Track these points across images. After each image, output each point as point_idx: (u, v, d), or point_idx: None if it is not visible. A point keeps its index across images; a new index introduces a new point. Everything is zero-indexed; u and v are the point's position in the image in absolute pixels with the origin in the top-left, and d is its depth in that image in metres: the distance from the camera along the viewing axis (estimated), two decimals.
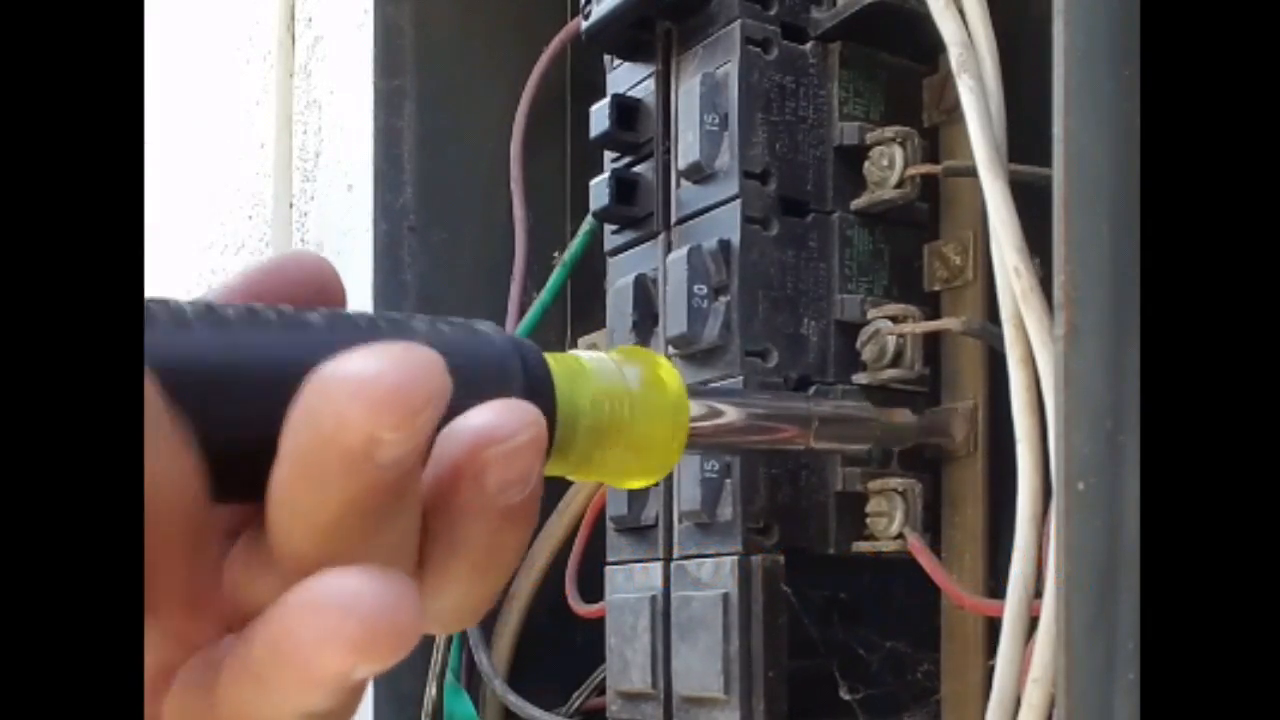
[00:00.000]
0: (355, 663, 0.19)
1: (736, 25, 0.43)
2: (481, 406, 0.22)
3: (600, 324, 0.53)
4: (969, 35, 0.39)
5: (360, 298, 0.58)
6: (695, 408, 0.33)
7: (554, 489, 0.56)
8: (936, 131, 0.45)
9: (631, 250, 0.47)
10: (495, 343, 0.25)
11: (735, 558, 0.41)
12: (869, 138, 0.43)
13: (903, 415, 0.42)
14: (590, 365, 0.28)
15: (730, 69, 0.43)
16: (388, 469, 0.20)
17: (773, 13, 0.44)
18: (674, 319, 0.43)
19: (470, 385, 0.22)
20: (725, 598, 0.41)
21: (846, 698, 0.42)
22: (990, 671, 0.37)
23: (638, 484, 0.31)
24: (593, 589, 0.50)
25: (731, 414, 0.37)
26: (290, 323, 0.22)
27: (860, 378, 0.43)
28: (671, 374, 0.30)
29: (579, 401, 0.27)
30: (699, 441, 0.37)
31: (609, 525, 0.47)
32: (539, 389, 0.25)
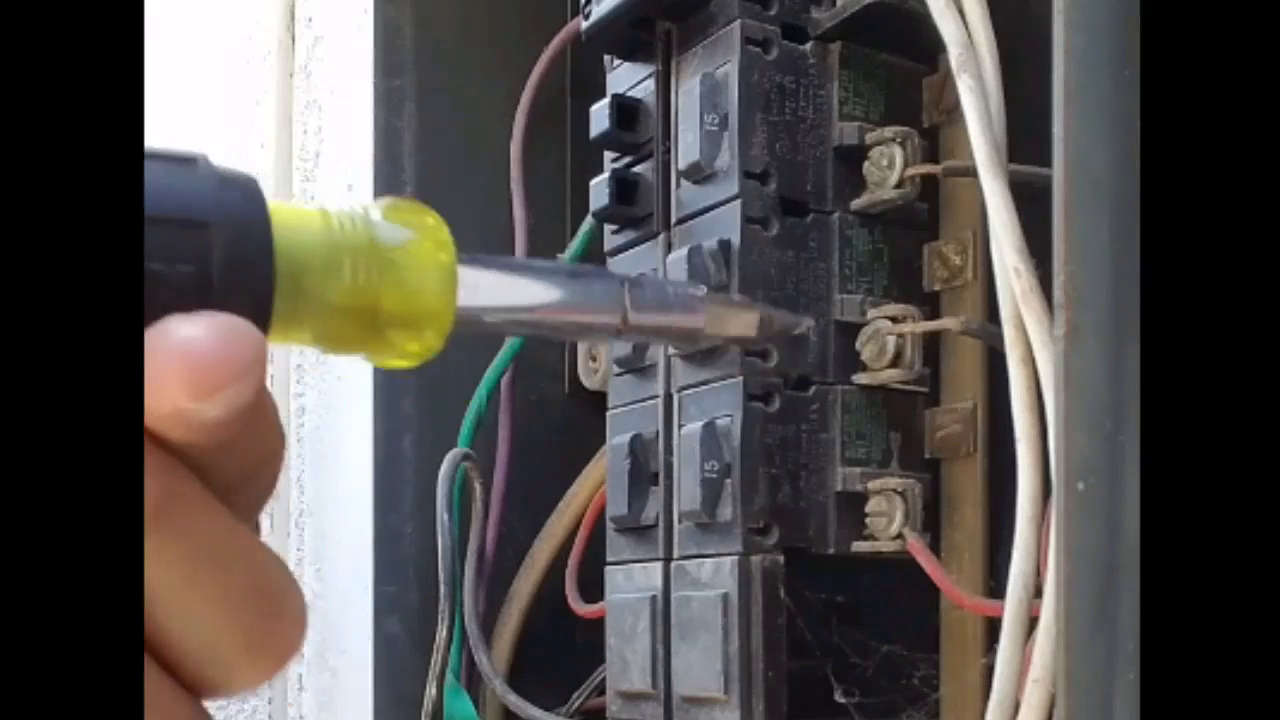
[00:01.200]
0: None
1: (736, 25, 0.43)
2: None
3: None
4: (969, 35, 0.39)
5: None
6: (469, 278, 0.26)
7: (554, 489, 0.56)
8: (936, 131, 0.45)
9: (631, 250, 0.47)
10: (194, 170, 0.21)
11: (735, 558, 0.41)
12: (869, 138, 0.43)
13: (743, 307, 0.36)
14: (333, 219, 0.24)
15: (730, 69, 0.43)
16: (203, 430, 0.20)
17: (773, 13, 0.44)
18: None
19: (166, 242, 0.20)
20: (725, 598, 0.41)
21: (842, 700, 0.42)
22: (989, 671, 0.37)
23: (393, 364, 0.26)
24: (593, 589, 0.50)
25: (519, 292, 0.29)
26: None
27: (860, 378, 0.43)
28: (440, 231, 0.25)
29: (310, 261, 0.23)
30: (476, 318, 0.28)
31: (609, 525, 0.47)
32: (248, 221, 0.22)
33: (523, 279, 0.29)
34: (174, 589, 0.21)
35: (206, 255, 0.21)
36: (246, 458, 0.22)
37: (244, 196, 0.22)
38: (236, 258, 0.21)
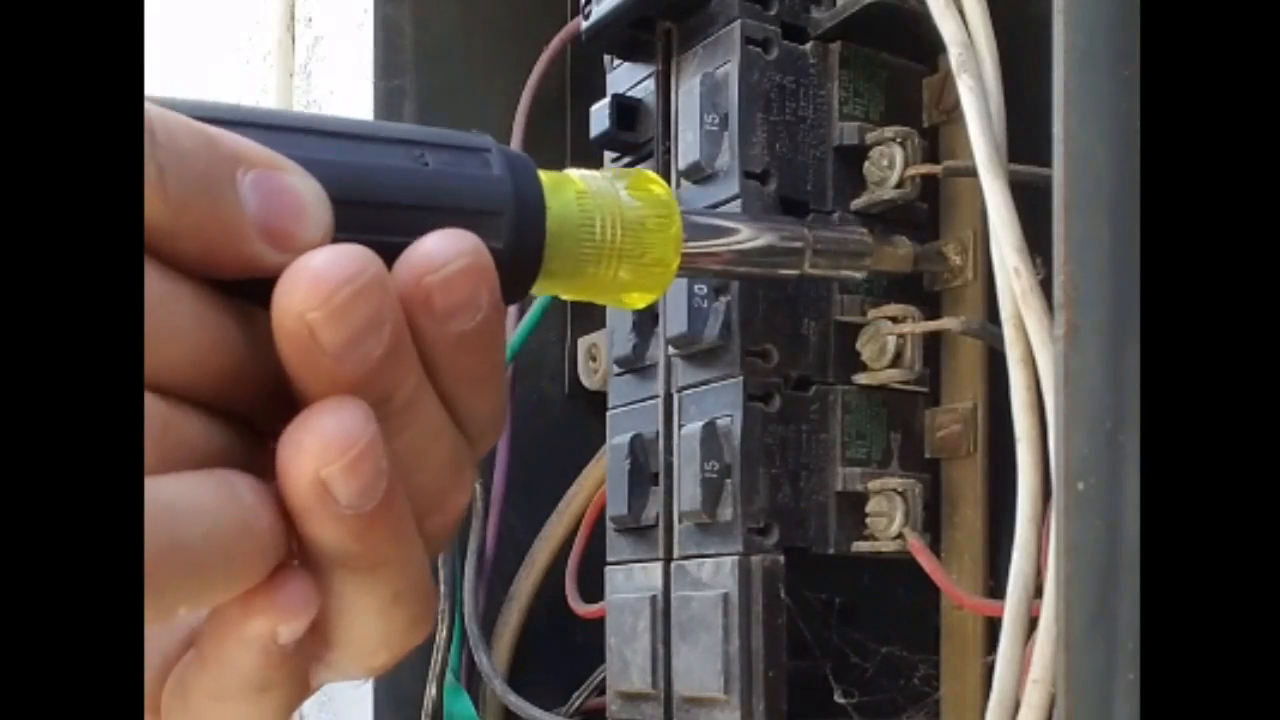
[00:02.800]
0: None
1: (736, 25, 0.43)
2: (425, 237, 0.23)
3: (600, 324, 0.53)
4: (969, 35, 0.39)
5: None
6: (689, 225, 0.34)
7: (554, 489, 0.56)
8: (936, 131, 0.45)
9: None
10: (487, 162, 0.26)
11: (735, 558, 0.41)
12: (869, 138, 0.43)
13: (900, 243, 0.42)
14: (583, 182, 0.29)
15: (730, 69, 0.43)
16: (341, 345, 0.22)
17: (773, 12, 0.44)
18: (674, 319, 0.43)
19: (461, 207, 0.24)
20: (725, 598, 0.41)
21: (841, 701, 0.42)
22: (989, 671, 0.37)
23: (631, 303, 0.31)
24: (593, 589, 0.50)
25: (726, 233, 0.37)
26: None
27: (860, 377, 0.43)
28: (666, 191, 0.30)
29: (570, 217, 0.28)
30: (692, 262, 0.36)
31: (609, 525, 0.47)
32: (528, 206, 0.26)
33: (726, 232, 0.37)
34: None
35: (499, 234, 0.26)
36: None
37: (526, 180, 0.27)
38: (520, 232, 0.26)
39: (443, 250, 0.23)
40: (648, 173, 0.30)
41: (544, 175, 0.28)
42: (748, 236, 0.38)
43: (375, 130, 0.25)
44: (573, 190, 0.28)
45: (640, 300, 0.31)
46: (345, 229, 0.23)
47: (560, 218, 0.27)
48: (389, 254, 0.23)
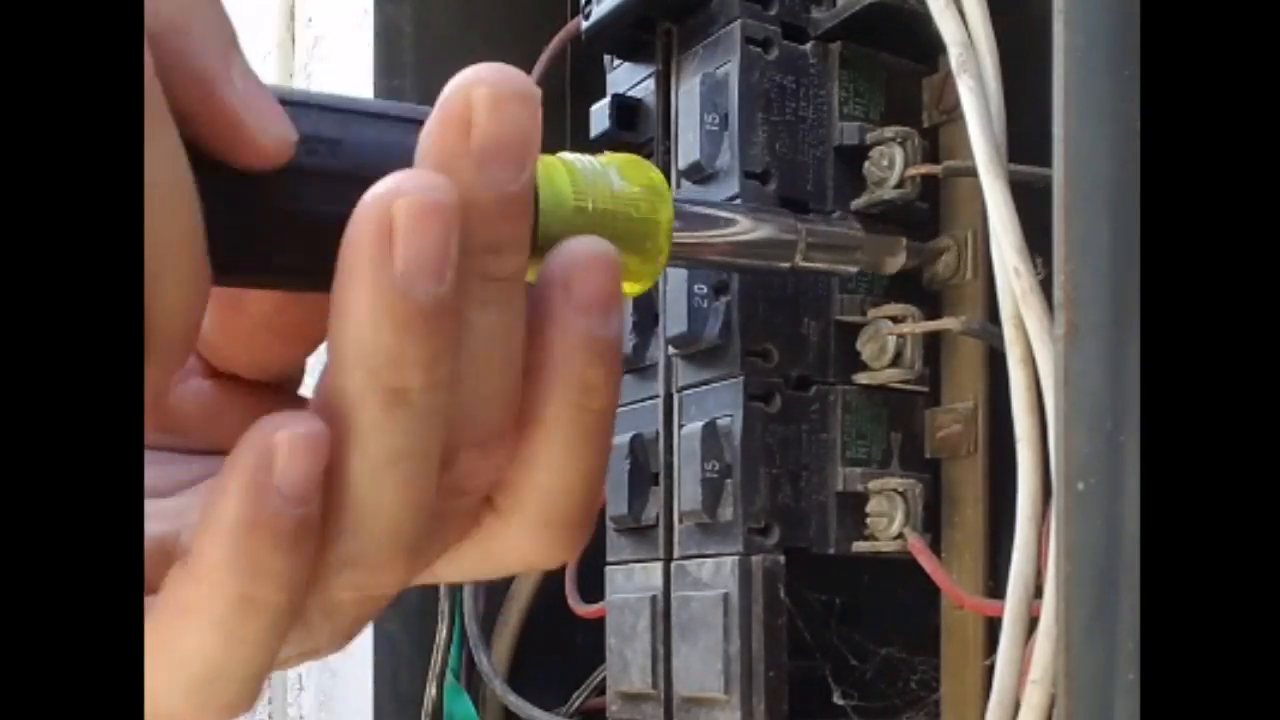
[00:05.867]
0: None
1: (737, 25, 0.43)
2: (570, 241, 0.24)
3: None
4: (969, 35, 0.39)
5: None
6: (681, 214, 0.33)
7: None
8: (936, 131, 0.45)
9: None
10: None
11: (736, 558, 0.41)
12: (869, 138, 0.43)
13: (894, 241, 0.43)
14: (576, 166, 0.28)
15: (730, 69, 0.43)
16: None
17: (773, 12, 0.44)
18: (674, 318, 0.43)
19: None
20: (726, 598, 0.41)
21: (841, 702, 0.42)
22: (989, 672, 0.37)
23: (624, 289, 0.30)
24: (593, 589, 0.50)
25: (718, 223, 0.37)
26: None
27: (861, 377, 0.43)
28: (660, 179, 0.30)
29: (562, 201, 0.27)
30: (684, 251, 0.37)
31: (609, 525, 0.47)
32: None
33: (719, 223, 0.37)
34: None
35: None
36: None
37: None
38: None
39: (593, 245, 0.24)
40: (639, 159, 0.30)
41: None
42: (740, 228, 0.38)
43: (364, 106, 0.24)
44: (563, 171, 0.28)
45: (631, 288, 0.31)
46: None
47: (552, 200, 0.27)
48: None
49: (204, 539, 0.21)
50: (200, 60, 0.21)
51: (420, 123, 0.23)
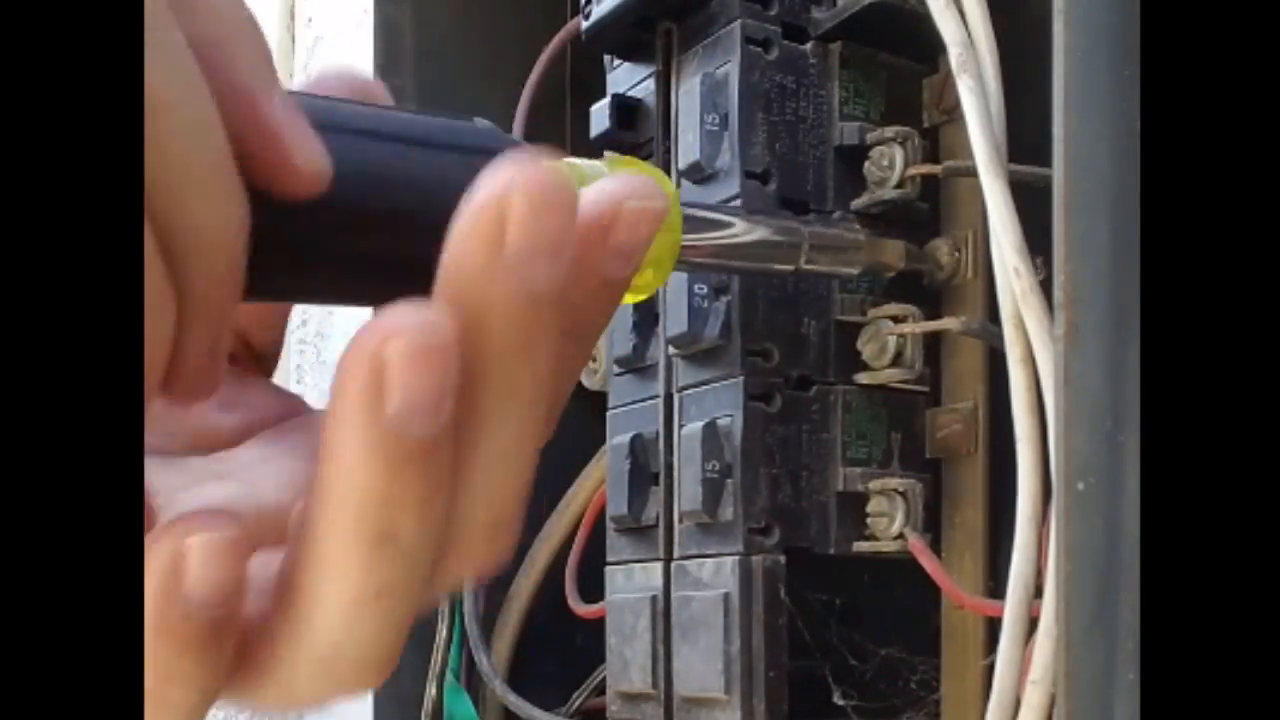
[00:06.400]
0: None
1: (737, 25, 0.43)
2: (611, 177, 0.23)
3: None
4: (969, 35, 0.39)
5: None
6: (686, 218, 0.33)
7: (554, 489, 0.56)
8: (936, 131, 0.45)
9: None
10: (491, 141, 0.24)
11: (736, 558, 0.41)
12: (869, 138, 0.43)
13: (893, 244, 0.43)
14: (583, 169, 0.28)
15: (731, 69, 0.43)
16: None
17: (773, 13, 0.44)
18: (674, 318, 0.43)
19: (456, 183, 0.22)
20: (726, 598, 0.41)
21: (841, 703, 0.42)
22: (989, 672, 0.37)
23: (630, 296, 0.30)
24: (593, 589, 0.50)
25: (722, 227, 0.37)
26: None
27: (861, 377, 0.43)
28: (666, 184, 0.30)
29: None
30: (689, 255, 0.37)
31: (609, 525, 0.47)
32: None
33: (723, 226, 0.37)
34: None
35: None
36: None
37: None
38: None
39: (642, 187, 0.22)
40: (643, 163, 0.30)
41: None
42: (744, 231, 0.38)
43: (412, 131, 0.24)
44: (571, 176, 0.28)
45: (637, 294, 0.30)
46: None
47: None
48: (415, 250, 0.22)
49: None
50: (244, 78, 0.20)
51: (470, 152, 0.23)
